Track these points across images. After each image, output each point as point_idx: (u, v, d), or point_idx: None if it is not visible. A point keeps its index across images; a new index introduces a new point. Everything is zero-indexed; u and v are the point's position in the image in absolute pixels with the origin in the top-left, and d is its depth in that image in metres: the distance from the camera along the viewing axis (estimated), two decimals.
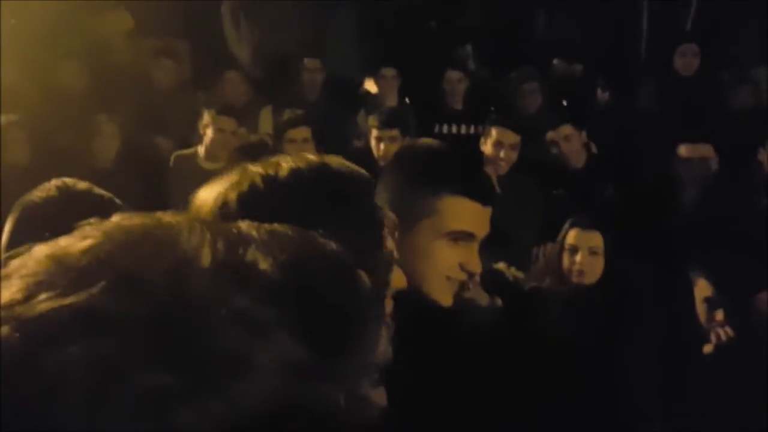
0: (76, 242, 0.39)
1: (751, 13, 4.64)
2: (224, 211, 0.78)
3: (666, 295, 2.89)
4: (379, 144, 3.67)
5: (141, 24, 4.61)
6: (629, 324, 2.47)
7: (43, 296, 0.36)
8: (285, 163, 0.81)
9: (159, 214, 0.42)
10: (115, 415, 0.34)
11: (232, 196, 0.79)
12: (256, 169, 0.81)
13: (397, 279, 0.87)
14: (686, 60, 4.42)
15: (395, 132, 3.65)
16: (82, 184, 1.24)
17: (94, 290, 0.36)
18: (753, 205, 3.48)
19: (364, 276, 0.44)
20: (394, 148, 3.65)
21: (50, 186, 1.23)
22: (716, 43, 4.60)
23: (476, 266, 1.19)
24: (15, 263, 0.39)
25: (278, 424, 0.36)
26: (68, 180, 1.24)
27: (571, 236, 2.72)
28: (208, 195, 0.82)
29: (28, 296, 0.36)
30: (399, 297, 0.89)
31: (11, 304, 0.36)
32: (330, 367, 0.38)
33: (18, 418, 0.34)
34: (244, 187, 0.80)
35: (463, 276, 1.19)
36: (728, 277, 2.92)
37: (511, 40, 4.87)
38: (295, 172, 0.80)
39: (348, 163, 0.84)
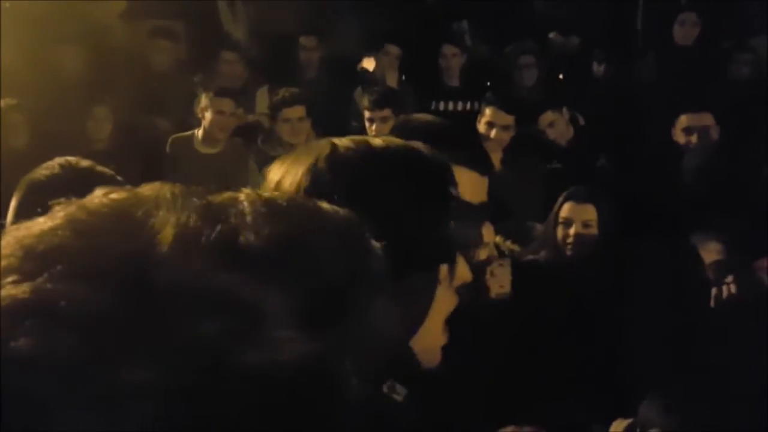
0: (40, 224, 0.37)
1: None
2: (315, 185, 0.77)
3: (664, 263, 2.91)
4: (371, 125, 3.67)
5: (135, 5, 4.58)
6: (625, 295, 2.49)
7: (5, 283, 0.34)
8: (375, 139, 0.82)
9: (142, 188, 0.39)
10: (84, 414, 0.32)
11: (325, 168, 0.78)
12: (344, 142, 0.81)
13: (463, 272, 0.84)
14: (686, 29, 4.40)
15: (386, 112, 3.64)
16: (85, 162, 1.26)
17: (44, 279, 0.34)
18: (755, 173, 3.48)
19: (374, 247, 0.42)
20: (386, 128, 3.67)
21: (54, 164, 1.25)
22: (715, 13, 4.58)
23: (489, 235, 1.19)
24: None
25: (266, 407, 0.34)
26: (71, 158, 1.26)
27: (565, 209, 2.74)
28: (289, 170, 0.79)
29: None
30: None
31: None
32: (324, 344, 0.36)
33: None
34: (337, 153, 0.78)
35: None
36: (728, 244, 2.94)
37: (507, 14, 4.84)
38: (388, 147, 0.80)
39: (428, 148, 0.84)
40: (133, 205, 0.38)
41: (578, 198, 2.73)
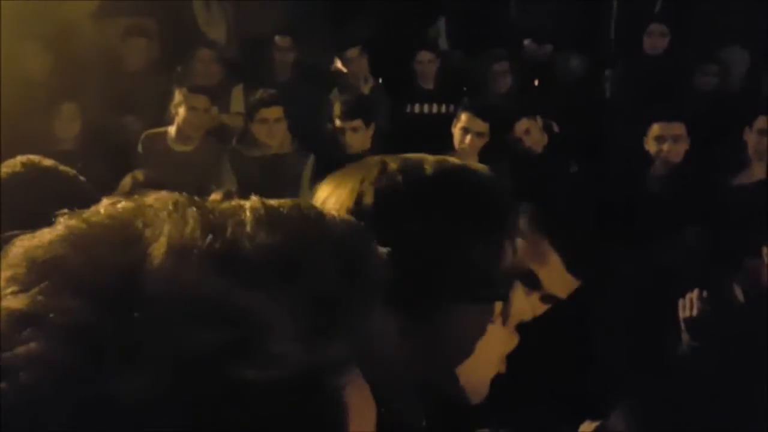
0: (44, 235, 0.38)
1: None
2: (359, 209, 0.73)
3: (636, 273, 2.94)
4: (343, 135, 3.66)
5: (107, 3, 4.52)
6: (597, 301, 2.51)
7: (6, 293, 0.36)
8: (427, 164, 0.76)
9: (147, 197, 0.40)
10: (78, 419, 0.33)
11: (369, 192, 0.74)
12: (395, 164, 0.76)
13: (521, 307, 0.77)
14: (654, 40, 4.48)
15: (357, 123, 3.65)
16: (47, 161, 1.24)
17: (37, 290, 0.35)
18: (724, 182, 3.55)
19: (377, 255, 0.41)
20: (357, 138, 3.66)
21: (15, 162, 1.22)
22: (685, 24, 4.66)
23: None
24: (10, 251, 0.38)
25: (261, 420, 0.35)
26: (33, 157, 1.24)
27: None
28: (335, 189, 0.76)
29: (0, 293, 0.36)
30: None
31: None
32: (321, 355, 0.36)
33: None
34: (383, 183, 0.74)
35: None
36: (700, 249, 2.99)
37: (482, 22, 4.88)
38: (441, 171, 0.75)
39: (489, 171, 0.78)
40: (133, 216, 0.38)
41: None
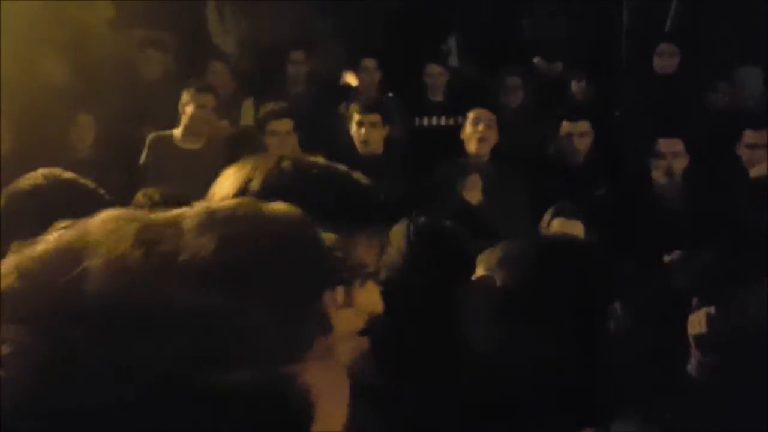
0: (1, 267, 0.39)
1: (730, 14, 4.71)
2: (244, 193, 0.79)
3: (644, 282, 2.94)
4: (360, 129, 3.69)
5: (123, 14, 4.58)
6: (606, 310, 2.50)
7: None
8: (317, 166, 0.84)
9: (93, 219, 0.41)
10: None
11: (258, 179, 0.80)
12: (289, 161, 0.83)
13: (370, 300, 0.80)
14: (664, 60, 4.49)
15: (376, 117, 3.69)
16: (68, 174, 1.26)
17: None
18: (727, 198, 3.55)
19: (323, 241, 0.43)
20: (375, 134, 3.69)
21: (37, 175, 1.25)
22: (695, 43, 4.67)
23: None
24: None
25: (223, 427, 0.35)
26: (55, 170, 1.27)
27: (555, 225, 2.75)
28: (236, 173, 0.83)
29: None
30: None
31: None
32: (281, 351, 0.37)
33: None
34: (272, 173, 0.81)
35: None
36: (702, 265, 2.99)
37: (494, 38, 4.91)
38: (327, 169, 0.83)
39: (370, 183, 0.86)
40: (76, 239, 0.39)
41: (567, 214, 2.76)
